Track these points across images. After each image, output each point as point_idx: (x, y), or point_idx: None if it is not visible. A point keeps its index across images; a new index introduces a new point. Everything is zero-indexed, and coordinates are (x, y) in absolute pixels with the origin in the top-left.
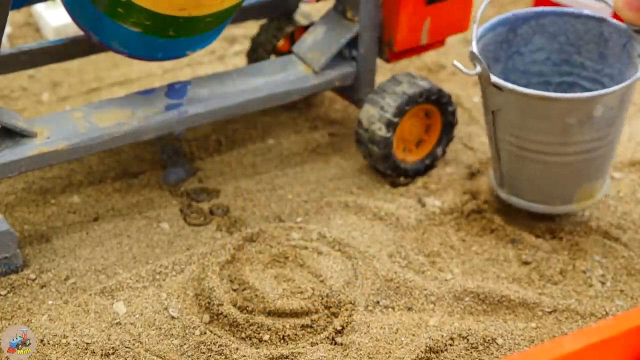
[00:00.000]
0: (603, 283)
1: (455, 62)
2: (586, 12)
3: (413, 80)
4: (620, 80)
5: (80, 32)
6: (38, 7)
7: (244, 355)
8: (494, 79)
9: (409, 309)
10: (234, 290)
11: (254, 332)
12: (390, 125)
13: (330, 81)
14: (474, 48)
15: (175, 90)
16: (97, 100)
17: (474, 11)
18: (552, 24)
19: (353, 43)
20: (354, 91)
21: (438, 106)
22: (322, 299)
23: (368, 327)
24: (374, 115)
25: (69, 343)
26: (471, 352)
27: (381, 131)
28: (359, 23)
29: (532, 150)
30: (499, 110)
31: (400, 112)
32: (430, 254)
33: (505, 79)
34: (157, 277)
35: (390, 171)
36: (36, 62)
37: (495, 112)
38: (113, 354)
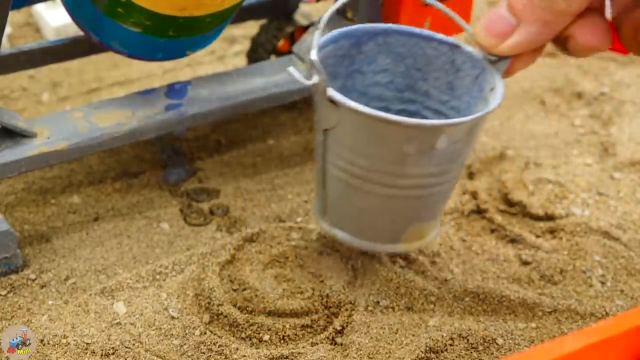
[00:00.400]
0: (603, 283)
1: (290, 69)
2: (439, 36)
3: None
4: (467, 115)
5: (80, 32)
6: (38, 8)
7: (244, 355)
8: (330, 92)
9: (409, 309)
10: (234, 290)
11: (254, 332)
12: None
13: None
14: (314, 56)
15: (175, 90)
16: (97, 100)
17: (475, 10)
18: (401, 44)
19: None
20: None
21: None
22: (322, 299)
23: (368, 327)
24: None
25: (69, 343)
26: (471, 352)
27: None
28: (359, 23)
29: (364, 179)
30: (332, 129)
31: None
32: (431, 254)
33: None
34: (157, 277)
35: None
36: (36, 62)
37: (328, 132)
38: (113, 354)
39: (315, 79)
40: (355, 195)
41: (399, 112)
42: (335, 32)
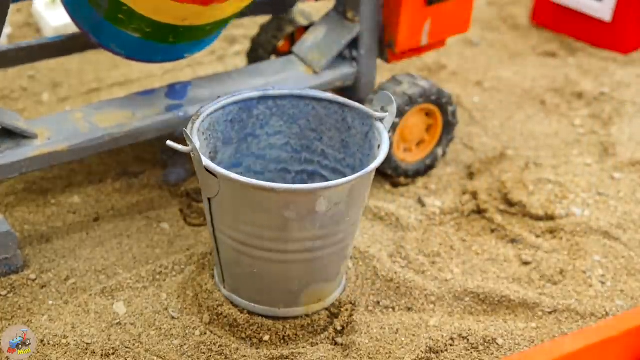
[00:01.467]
0: (603, 283)
1: (169, 142)
2: (328, 95)
3: (413, 80)
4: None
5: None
6: (38, 8)
7: (244, 356)
8: (206, 162)
9: (409, 309)
10: None
11: (254, 332)
12: (392, 126)
13: (331, 82)
14: (192, 125)
15: (175, 91)
16: (96, 101)
17: (475, 11)
18: (293, 106)
19: (353, 44)
20: (354, 91)
21: (438, 106)
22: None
23: (368, 327)
24: None
25: (69, 343)
26: (471, 352)
27: None
28: (360, 24)
29: (252, 245)
30: (215, 197)
31: (401, 113)
32: (431, 254)
33: (238, 164)
34: (157, 277)
35: (391, 171)
36: (34, 57)
37: (212, 200)
38: (113, 354)
39: (189, 148)
40: (247, 261)
41: (298, 174)
42: (222, 100)
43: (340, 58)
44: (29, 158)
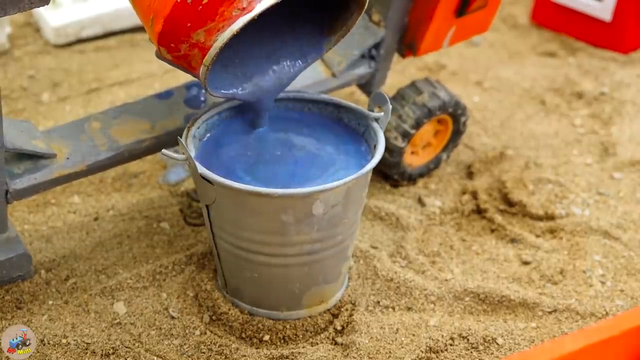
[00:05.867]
0: (603, 283)
1: (164, 151)
2: (324, 97)
3: (433, 90)
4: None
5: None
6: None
7: (244, 355)
8: (202, 170)
9: (409, 309)
10: None
11: (254, 332)
12: (406, 136)
13: (348, 83)
14: (187, 133)
15: (193, 96)
16: (97, 100)
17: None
18: (289, 108)
19: (375, 44)
20: (365, 84)
21: (452, 117)
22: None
23: (368, 327)
24: (390, 123)
25: (69, 343)
26: (471, 352)
27: (397, 140)
28: (386, 29)
29: (249, 250)
30: (213, 204)
31: (418, 124)
32: (431, 254)
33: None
34: (157, 277)
35: (397, 176)
36: None
37: (210, 207)
38: (113, 354)
39: (184, 157)
40: (247, 266)
41: None
42: (217, 105)
43: (359, 57)
44: (47, 180)
